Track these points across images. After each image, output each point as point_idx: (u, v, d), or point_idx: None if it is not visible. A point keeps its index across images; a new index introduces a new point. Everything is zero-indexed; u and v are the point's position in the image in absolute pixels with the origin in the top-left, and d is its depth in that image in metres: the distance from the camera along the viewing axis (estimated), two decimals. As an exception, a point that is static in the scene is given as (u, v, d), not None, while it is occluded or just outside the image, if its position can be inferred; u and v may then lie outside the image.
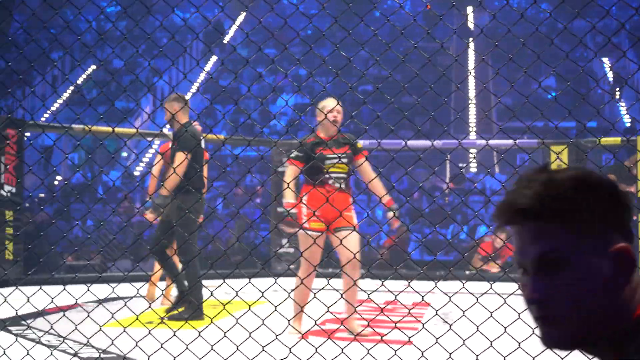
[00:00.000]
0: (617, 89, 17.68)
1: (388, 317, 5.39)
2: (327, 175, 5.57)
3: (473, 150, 13.22)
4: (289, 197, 5.74)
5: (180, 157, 6.15)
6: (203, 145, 6.92)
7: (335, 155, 5.62)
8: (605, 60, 19.92)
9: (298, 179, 6.04)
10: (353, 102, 17.42)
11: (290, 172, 5.78)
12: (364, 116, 17.81)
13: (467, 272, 9.66)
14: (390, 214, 5.76)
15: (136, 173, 16.53)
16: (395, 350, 3.58)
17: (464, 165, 15.89)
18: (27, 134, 11.20)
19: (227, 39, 21.85)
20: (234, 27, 22.20)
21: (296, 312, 5.40)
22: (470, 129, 17.78)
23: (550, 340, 1.26)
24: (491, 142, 10.81)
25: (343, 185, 5.58)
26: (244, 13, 21.79)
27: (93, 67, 19.60)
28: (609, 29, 20.18)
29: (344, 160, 5.65)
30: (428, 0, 21.82)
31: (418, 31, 20.81)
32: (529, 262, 1.27)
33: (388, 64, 17.89)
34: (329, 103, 5.84)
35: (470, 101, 18.14)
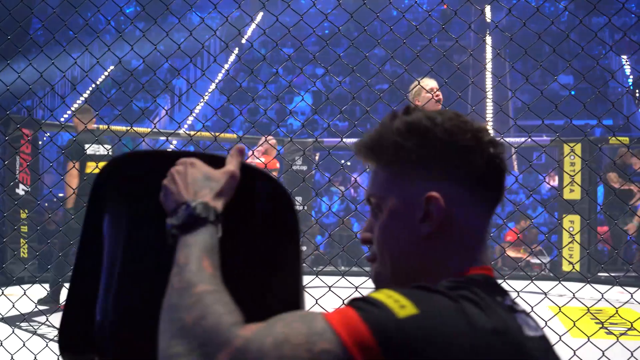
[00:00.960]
0: (637, 91, 17.58)
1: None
2: None
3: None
4: None
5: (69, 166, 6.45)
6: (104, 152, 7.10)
7: None
8: (624, 57, 19.80)
9: None
10: (369, 100, 17.44)
11: None
12: (380, 114, 17.84)
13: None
14: None
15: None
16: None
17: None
18: (47, 133, 11.32)
19: (244, 39, 21.92)
20: (252, 26, 22.27)
21: None
22: (487, 125, 17.74)
23: (372, 278, 1.25)
24: (508, 139, 10.83)
25: None
26: (262, 12, 21.87)
27: (112, 67, 19.72)
28: (627, 26, 20.05)
29: None
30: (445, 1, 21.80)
31: (435, 30, 20.80)
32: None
33: (404, 63, 17.87)
34: (428, 82, 5.30)
35: (485, 95, 18.09)
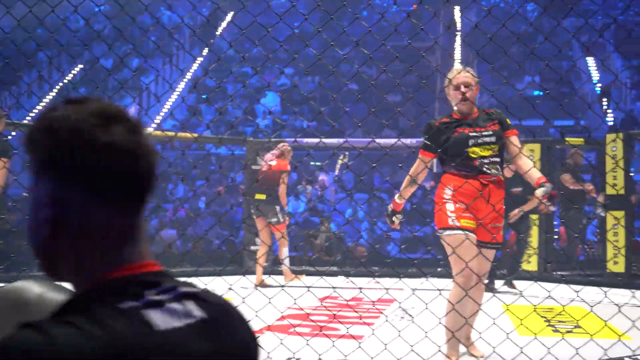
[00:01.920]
0: (605, 100, 17.82)
1: (354, 310, 5.53)
2: (480, 161, 4.30)
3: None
4: (402, 192, 4.55)
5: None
6: None
7: (480, 133, 4.37)
8: (590, 60, 20.07)
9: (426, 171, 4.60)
10: (336, 102, 17.46)
11: (416, 165, 4.54)
12: (349, 115, 17.87)
13: (439, 269, 9.87)
14: (540, 190, 4.22)
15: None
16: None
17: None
18: (13, 133, 11.25)
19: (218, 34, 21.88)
20: (224, 25, 22.23)
21: (450, 342, 4.13)
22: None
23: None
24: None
25: (499, 172, 4.35)
26: (233, 12, 21.85)
27: (80, 66, 19.58)
28: (593, 30, 20.32)
29: (493, 138, 4.36)
30: (416, 1, 21.91)
31: (405, 31, 20.89)
32: None
33: (373, 63, 17.95)
34: (454, 74, 4.53)
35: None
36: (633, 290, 7.95)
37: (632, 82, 17.91)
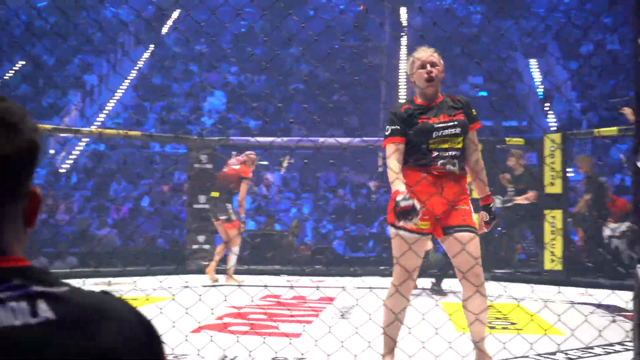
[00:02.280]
0: (548, 105, 18.17)
1: (289, 309, 5.57)
2: (437, 154, 3.93)
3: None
4: (397, 184, 3.88)
5: None
6: None
7: (446, 124, 3.99)
8: (533, 61, 20.43)
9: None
10: (283, 99, 17.50)
11: (391, 152, 4.00)
12: (293, 113, 17.91)
13: (381, 268, 9.96)
14: (484, 215, 4.03)
15: (62, 170, 16.30)
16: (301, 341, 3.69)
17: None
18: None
19: (162, 32, 21.71)
20: (168, 23, 22.07)
21: (386, 346, 3.87)
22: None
23: None
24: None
25: (456, 167, 3.95)
26: (179, 10, 21.69)
27: (22, 62, 19.25)
28: (535, 31, 20.71)
29: (457, 130, 3.98)
30: (362, 1, 22.04)
31: (352, 31, 20.97)
32: None
33: (319, 62, 18.00)
34: (420, 54, 4.12)
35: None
36: (563, 288, 8.15)
37: (572, 84, 18.27)
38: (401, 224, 3.77)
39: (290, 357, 3.85)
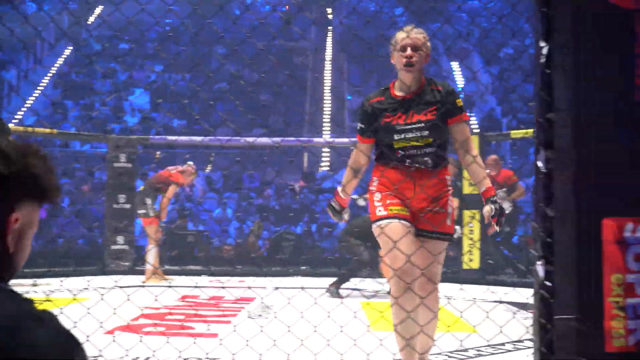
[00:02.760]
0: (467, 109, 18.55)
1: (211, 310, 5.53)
2: (407, 152, 3.60)
3: (326, 149, 13.52)
4: (345, 186, 3.82)
5: None
6: None
7: (411, 125, 3.60)
8: (455, 64, 20.79)
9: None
10: (208, 99, 17.37)
11: (354, 153, 3.83)
12: (218, 113, 17.78)
13: (302, 268, 10.04)
14: (488, 208, 3.58)
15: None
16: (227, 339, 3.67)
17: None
18: None
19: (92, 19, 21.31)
20: (91, 19, 21.66)
21: (400, 347, 3.55)
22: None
23: None
24: (341, 140, 11.16)
25: (429, 165, 3.57)
26: (102, 6, 21.32)
27: None
28: (459, 35, 21.07)
29: (425, 132, 3.57)
30: (287, 1, 22.07)
31: (277, 31, 20.96)
32: None
33: (245, 63, 17.95)
34: (402, 34, 3.65)
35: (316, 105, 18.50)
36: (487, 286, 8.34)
37: (493, 87, 18.67)
38: (332, 215, 3.83)
39: (203, 357, 3.82)
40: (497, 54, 19.64)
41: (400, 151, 3.56)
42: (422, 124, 3.55)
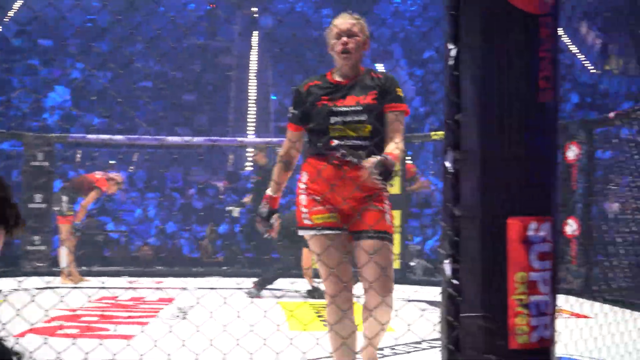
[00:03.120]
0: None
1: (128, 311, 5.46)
2: (334, 143, 3.39)
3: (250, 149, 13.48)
4: (275, 181, 3.61)
5: None
6: None
7: (348, 108, 3.40)
8: (380, 66, 21.00)
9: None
10: (131, 98, 17.14)
11: (285, 145, 3.62)
12: (141, 112, 17.56)
13: (224, 268, 10.07)
14: (374, 159, 3.16)
15: None
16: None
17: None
18: None
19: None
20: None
21: (334, 347, 3.47)
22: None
23: None
24: (269, 140, 11.14)
25: (363, 159, 3.26)
26: (21, 1, 20.80)
27: None
28: (384, 37, 21.31)
29: (363, 116, 3.37)
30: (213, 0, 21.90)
31: (202, 30, 20.81)
32: None
33: (169, 61, 17.78)
34: (338, 20, 3.50)
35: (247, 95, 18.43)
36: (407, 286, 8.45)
37: (416, 89, 18.93)
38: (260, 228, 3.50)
39: (120, 359, 3.77)
40: (420, 56, 19.93)
41: (334, 140, 3.36)
42: (361, 107, 3.37)
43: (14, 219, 1.50)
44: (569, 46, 21.42)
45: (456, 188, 2.08)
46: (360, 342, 3.50)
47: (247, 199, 10.27)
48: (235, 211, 10.64)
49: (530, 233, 2.03)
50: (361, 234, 3.37)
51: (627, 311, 5.88)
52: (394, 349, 4.33)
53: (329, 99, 3.41)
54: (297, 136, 3.55)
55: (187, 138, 10.77)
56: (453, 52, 2.09)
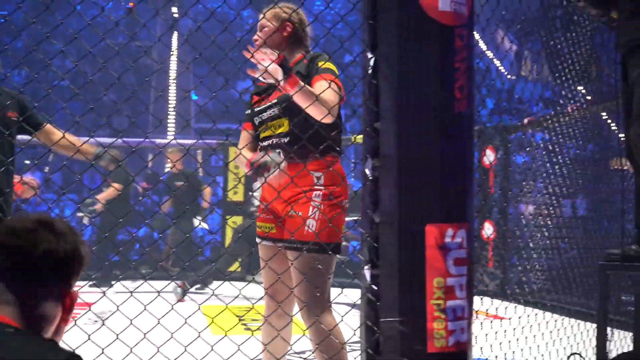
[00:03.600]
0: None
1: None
2: (263, 144, 3.20)
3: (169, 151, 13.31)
4: (243, 159, 3.13)
5: None
6: None
7: (266, 106, 3.22)
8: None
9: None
10: (48, 98, 16.72)
11: (240, 142, 3.37)
12: (59, 112, 17.17)
13: (144, 271, 9.99)
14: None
15: None
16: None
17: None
18: None
19: None
20: None
21: None
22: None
23: None
24: (188, 142, 11.03)
25: (278, 159, 3.03)
26: None
27: None
28: (318, 38, 21.34)
29: (276, 110, 3.15)
30: (132, -1, 21.57)
31: (123, 29, 20.47)
32: None
33: (87, 60, 17.43)
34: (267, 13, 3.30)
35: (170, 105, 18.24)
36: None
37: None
38: (261, 180, 3.05)
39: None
40: (340, 60, 20.08)
41: (263, 142, 3.17)
42: (275, 101, 3.14)
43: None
44: (485, 52, 21.96)
45: (375, 195, 2.11)
46: None
47: (165, 203, 10.15)
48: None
49: (448, 240, 2.07)
50: (284, 244, 3.17)
51: (540, 312, 6.05)
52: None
53: (259, 99, 3.26)
54: (245, 137, 3.34)
55: (103, 140, 10.60)
56: (371, 61, 2.12)
